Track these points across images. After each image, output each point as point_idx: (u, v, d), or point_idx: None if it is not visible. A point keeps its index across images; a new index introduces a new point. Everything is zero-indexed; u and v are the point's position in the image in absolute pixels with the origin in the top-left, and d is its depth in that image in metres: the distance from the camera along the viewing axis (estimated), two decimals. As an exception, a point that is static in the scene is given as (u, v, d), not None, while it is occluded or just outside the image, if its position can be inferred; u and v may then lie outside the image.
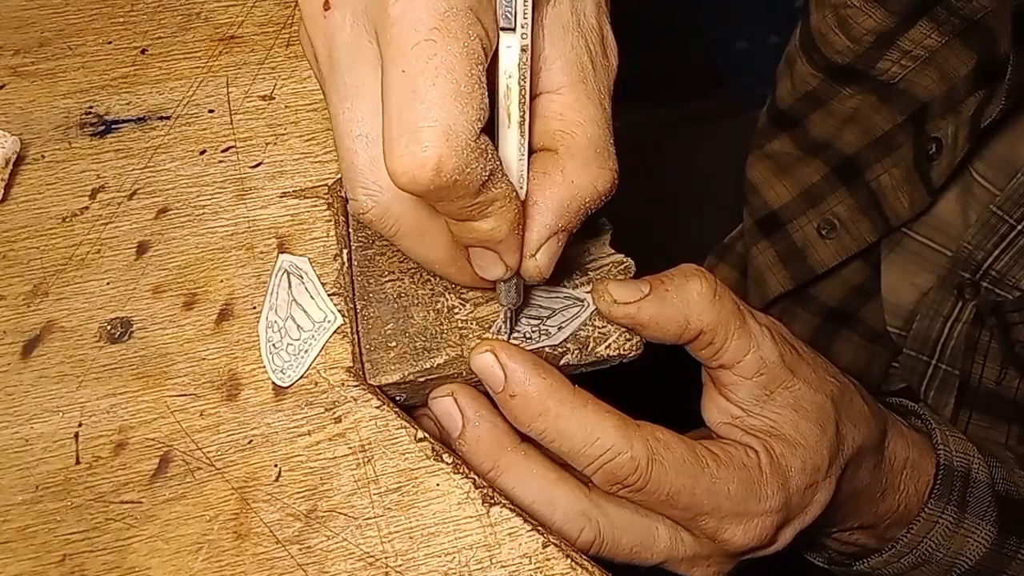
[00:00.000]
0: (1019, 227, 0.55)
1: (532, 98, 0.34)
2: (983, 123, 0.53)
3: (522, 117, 0.33)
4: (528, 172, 0.34)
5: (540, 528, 0.35)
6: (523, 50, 0.31)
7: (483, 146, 0.30)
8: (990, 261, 0.57)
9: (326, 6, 0.32)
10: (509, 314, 0.38)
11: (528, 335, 0.39)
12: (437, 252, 0.35)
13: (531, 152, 0.35)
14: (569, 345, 0.39)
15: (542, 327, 0.39)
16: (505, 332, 0.38)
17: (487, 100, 0.30)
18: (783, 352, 0.40)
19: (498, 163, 0.31)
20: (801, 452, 0.40)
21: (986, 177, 0.57)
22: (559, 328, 0.39)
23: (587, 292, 0.40)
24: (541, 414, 0.36)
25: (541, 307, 0.39)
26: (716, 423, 0.41)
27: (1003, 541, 0.49)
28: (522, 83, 0.32)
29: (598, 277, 0.40)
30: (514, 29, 0.31)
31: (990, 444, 0.54)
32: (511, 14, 0.31)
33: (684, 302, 0.38)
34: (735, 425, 0.40)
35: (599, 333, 0.39)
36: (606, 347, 0.39)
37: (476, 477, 0.36)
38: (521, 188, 0.34)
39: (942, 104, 0.59)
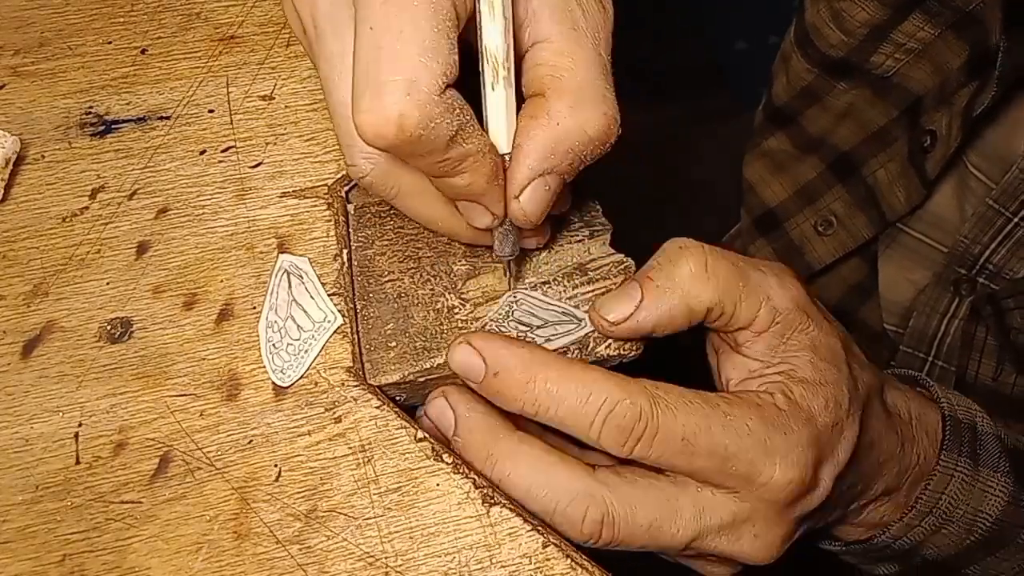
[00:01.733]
0: (1015, 219, 0.55)
1: (525, 52, 0.34)
2: (976, 111, 0.54)
3: (507, 72, 0.33)
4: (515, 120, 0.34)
5: (540, 528, 0.35)
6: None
7: (449, 101, 0.30)
8: (987, 254, 0.57)
9: None
10: (508, 266, 0.39)
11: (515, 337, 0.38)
12: (438, 208, 0.36)
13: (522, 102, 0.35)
14: (570, 346, 0.39)
15: (530, 335, 0.38)
16: (512, 283, 0.39)
17: (456, 56, 0.30)
18: (796, 295, 0.39)
19: (468, 118, 0.31)
20: (822, 391, 0.38)
21: (981, 170, 0.58)
22: (547, 340, 0.38)
23: (586, 312, 0.39)
24: (529, 382, 0.35)
25: (534, 316, 0.39)
26: (735, 382, 0.40)
27: (1020, 493, 0.47)
28: (507, 37, 0.32)
29: (598, 291, 0.40)
30: None
31: None
32: None
33: (680, 289, 0.37)
34: (753, 378, 0.39)
35: (599, 333, 0.39)
36: (606, 347, 0.39)
37: (476, 477, 0.36)
38: (507, 143, 0.34)
39: (935, 97, 0.59)
